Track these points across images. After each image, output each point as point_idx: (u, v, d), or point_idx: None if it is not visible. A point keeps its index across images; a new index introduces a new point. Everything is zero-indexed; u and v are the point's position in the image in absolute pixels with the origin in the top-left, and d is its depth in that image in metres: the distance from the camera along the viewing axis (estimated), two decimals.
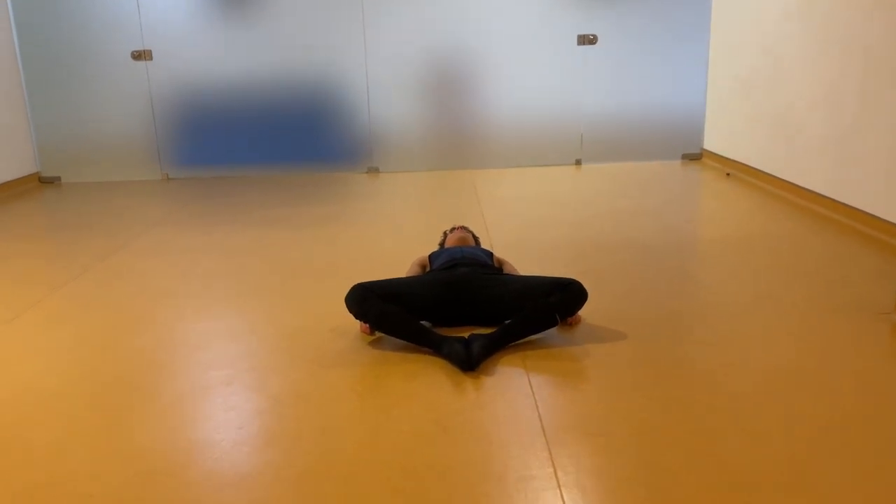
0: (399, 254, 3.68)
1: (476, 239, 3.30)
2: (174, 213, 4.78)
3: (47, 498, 1.77)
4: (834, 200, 4.10)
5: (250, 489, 1.78)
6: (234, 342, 2.66)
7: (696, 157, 6.08)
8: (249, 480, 1.82)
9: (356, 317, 2.59)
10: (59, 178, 6.09)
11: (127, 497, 1.76)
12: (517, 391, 2.22)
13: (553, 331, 2.63)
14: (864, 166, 3.83)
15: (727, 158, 5.59)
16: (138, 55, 5.82)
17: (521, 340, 2.55)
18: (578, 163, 6.07)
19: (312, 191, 5.38)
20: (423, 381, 2.29)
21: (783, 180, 4.69)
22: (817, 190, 4.29)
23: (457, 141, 6.03)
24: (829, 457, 1.84)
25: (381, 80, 5.89)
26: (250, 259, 3.69)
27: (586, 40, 5.85)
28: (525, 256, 3.54)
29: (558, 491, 1.75)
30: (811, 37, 4.30)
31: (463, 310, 2.65)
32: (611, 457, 1.87)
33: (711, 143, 5.91)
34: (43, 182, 6.07)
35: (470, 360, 2.34)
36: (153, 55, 5.82)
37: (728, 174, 5.42)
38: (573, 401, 2.15)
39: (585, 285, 2.70)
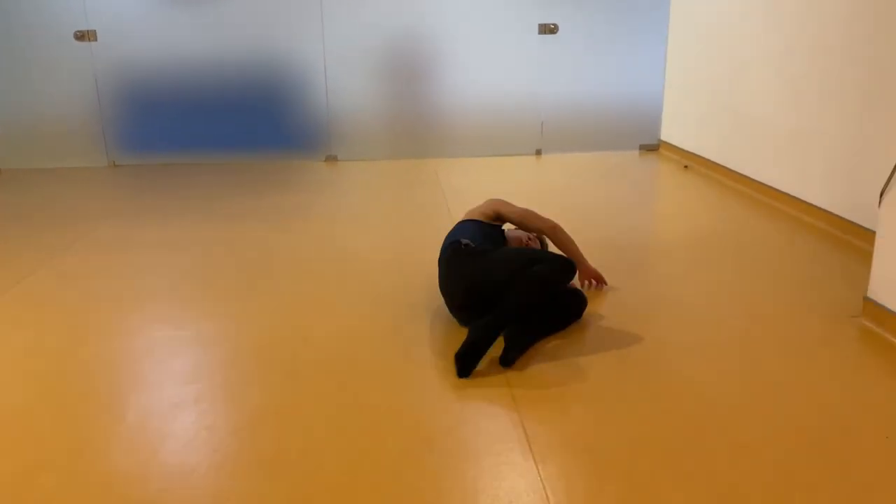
0: (367, 253, 3.60)
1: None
2: (125, 205, 4.58)
3: None
4: (794, 197, 4.18)
5: None
6: (203, 352, 2.56)
7: (653, 147, 6.14)
8: None
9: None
10: None
11: None
12: (500, 404, 2.18)
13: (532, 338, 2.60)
14: (824, 165, 3.91)
15: (684, 150, 5.65)
16: (81, 35, 5.53)
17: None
18: (539, 153, 6.05)
19: (270, 180, 5.22)
20: (406, 395, 2.24)
21: (742, 175, 4.77)
22: (777, 186, 4.36)
23: (417, 129, 5.94)
24: (813, 468, 1.86)
25: (339, 65, 5.74)
26: (212, 258, 3.56)
27: (547, 29, 5.81)
28: None
29: None
30: (773, 35, 4.35)
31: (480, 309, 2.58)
32: (599, 474, 1.85)
33: (668, 134, 5.97)
34: None
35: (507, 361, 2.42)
36: (98, 36, 5.54)
37: (686, 167, 5.48)
38: (557, 414, 2.13)
39: None
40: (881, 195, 2.60)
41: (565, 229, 3.00)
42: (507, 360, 2.40)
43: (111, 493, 1.80)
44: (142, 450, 1.98)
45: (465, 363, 2.33)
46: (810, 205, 4.02)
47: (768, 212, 4.23)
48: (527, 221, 2.97)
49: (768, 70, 4.41)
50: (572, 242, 2.99)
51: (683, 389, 2.26)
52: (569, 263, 2.58)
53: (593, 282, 3.08)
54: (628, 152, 6.07)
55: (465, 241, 2.71)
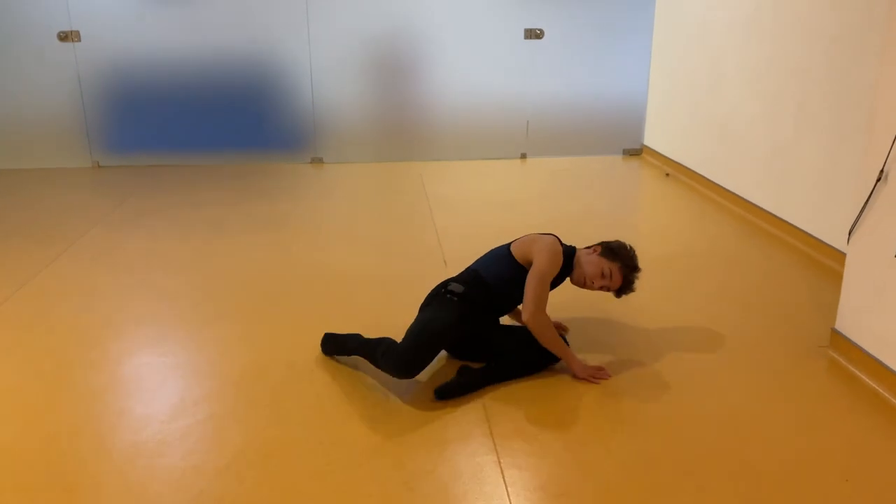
0: (351, 269, 3.65)
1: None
2: (111, 212, 4.60)
3: None
4: (771, 214, 4.26)
5: None
6: (188, 382, 2.61)
7: (636, 152, 6.20)
8: None
9: None
10: None
11: None
12: (480, 445, 2.26)
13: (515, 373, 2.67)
14: (799, 184, 3.99)
15: (666, 157, 5.72)
16: (65, 36, 5.49)
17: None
18: (524, 157, 6.10)
19: (256, 184, 5.25)
20: (387, 432, 2.30)
21: (722, 187, 4.84)
22: (755, 202, 4.44)
23: (403, 132, 5.97)
24: None
25: (325, 67, 5.74)
26: (198, 275, 3.59)
27: (533, 35, 5.84)
28: None
29: None
30: (754, 50, 4.40)
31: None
32: None
33: (651, 139, 6.03)
34: None
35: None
36: (81, 36, 5.51)
37: (667, 174, 5.55)
38: (534, 458, 2.21)
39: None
40: (850, 232, 2.68)
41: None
42: (442, 394, 2.46)
43: None
44: (130, 491, 2.04)
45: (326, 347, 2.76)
46: (787, 223, 4.11)
47: (746, 228, 4.31)
48: (525, 287, 2.59)
49: (748, 84, 4.47)
50: (546, 337, 2.53)
51: (655, 428, 2.34)
52: (400, 365, 2.42)
53: (591, 379, 2.60)
54: (612, 157, 6.13)
55: (454, 286, 2.62)
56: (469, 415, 2.41)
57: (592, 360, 2.77)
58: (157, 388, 2.57)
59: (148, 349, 2.86)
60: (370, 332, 2.99)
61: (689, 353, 2.83)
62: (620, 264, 2.63)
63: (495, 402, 2.48)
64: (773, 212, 4.24)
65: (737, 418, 2.40)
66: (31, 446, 2.24)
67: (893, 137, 2.39)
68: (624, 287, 2.66)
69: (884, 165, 2.45)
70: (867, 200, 2.56)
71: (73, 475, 2.10)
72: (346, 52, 5.72)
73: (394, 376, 2.47)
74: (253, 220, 4.43)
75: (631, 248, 2.70)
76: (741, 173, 4.61)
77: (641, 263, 2.75)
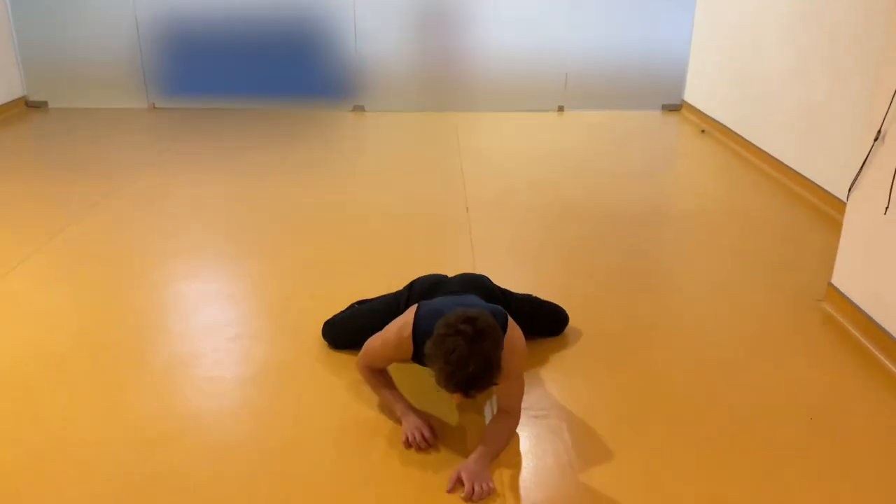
0: (378, 217, 3.87)
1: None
2: (163, 152, 4.91)
3: (57, 462, 2.03)
4: (800, 174, 4.30)
5: (236, 461, 2.05)
6: (223, 307, 2.89)
7: (675, 108, 6.21)
8: (235, 452, 2.09)
9: None
10: (45, 103, 6.13)
11: (129, 465, 2.03)
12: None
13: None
14: (827, 146, 4.01)
15: (704, 114, 5.73)
16: None
17: None
18: (561, 109, 6.18)
19: (300, 130, 5.49)
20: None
21: (756, 146, 4.87)
22: (786, 162, 4.47)
23: (443, 82, 6.11)
24: (734, 445, 2.13)
25: (368, 17, 5.90)
26: (239, 213, 3.87)
27: None
28: (498, 224, 3.75)
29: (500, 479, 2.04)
30: (789, 12, 4.38)
31: None
32: (551, 438, 2.15)
33: (691, 95, 6.03)
34: (30, 106, 6.12)
35: None
36: None
37: (703, 131, 5.58)
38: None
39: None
40: (849, 190, 2.76)
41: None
42: None
43: (137, 432, 2.16)
44: (165, 394, 2.34)
45: None
46: (812, 182, 4.14)
47: (774, 186, 4.36)
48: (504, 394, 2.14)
49: (783, 44, 4.46)
50: (501, 440, 2.10)
51: (635, 365, 2.53)
52: (324, 330, 2.62)
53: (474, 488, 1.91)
54: (651, 112, 6.16)
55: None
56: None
57: (605, 305, 2.94)
58: (193, 310, 2.87)
59: (187, 278, 3.15)
60: (387, 270, 3.23)
61: (690, 300, 2.98)
62: (440, 366, 1.84)
63: None
64: (800, 171, 4.27)
65: (721, 362, 2.56)
66: (83, 355, 2.56)
67: (891, 98, 2.46)
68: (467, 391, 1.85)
69: (881, 125, 2.52)
70: (865, 159, 2.64)
71: (118, 380, 2.41)
72: (389, 3, 5.85)
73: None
74: (293, 164, 4.68)
75: (455, 323, 1.85)
76: (773, 132, 4.63)
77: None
